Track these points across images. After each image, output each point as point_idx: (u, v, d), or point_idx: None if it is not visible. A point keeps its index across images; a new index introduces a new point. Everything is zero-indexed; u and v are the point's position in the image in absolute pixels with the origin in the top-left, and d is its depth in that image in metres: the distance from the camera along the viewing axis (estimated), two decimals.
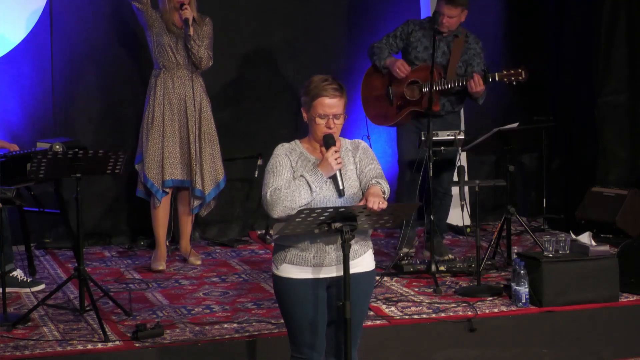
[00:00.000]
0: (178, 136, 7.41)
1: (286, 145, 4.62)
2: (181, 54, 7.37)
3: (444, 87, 7.43)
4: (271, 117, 8.61)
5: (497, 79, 7.44)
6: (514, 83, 7.50)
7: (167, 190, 7.46)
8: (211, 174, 7.49)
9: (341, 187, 4.53)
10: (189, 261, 7.65)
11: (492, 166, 9.12)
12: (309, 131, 4.63)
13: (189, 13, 7.26)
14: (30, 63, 8.10)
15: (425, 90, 7.35)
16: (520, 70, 7.44)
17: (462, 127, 8.28)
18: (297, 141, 4.65)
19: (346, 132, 4.89)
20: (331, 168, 4.51)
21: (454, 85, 7.44)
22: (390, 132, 7.94)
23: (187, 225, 7.66)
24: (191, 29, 7.24)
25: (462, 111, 8.62)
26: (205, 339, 5.84)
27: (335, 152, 4.52)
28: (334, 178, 4.54)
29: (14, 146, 7.06)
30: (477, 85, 7.33)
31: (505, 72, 7.46)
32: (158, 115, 7.39)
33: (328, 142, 4.55)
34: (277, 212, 4.47)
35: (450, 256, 7.44)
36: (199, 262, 7.64)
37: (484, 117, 8.80)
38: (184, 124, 7.41)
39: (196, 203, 7.53)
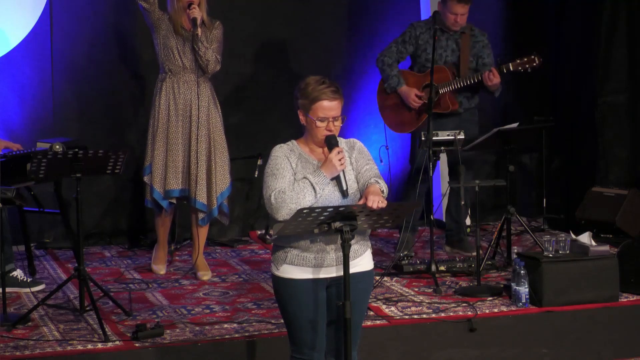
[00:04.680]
0: (182, 144, 7.11)
1: (284, 146, 4.61)
2: (188, 58, 7.06)
3: (460, 85, 7.44)
4: (271, 117, 8.60)
5: (511, 68, 7.39)
6: (529, 70, 7.48)
7: (173, 200, 7.16)
8: (219, 185, 7.15)
9: (345, 188, 4.52)
10: (197, 275, 7.28)
11: (492, 166, 9.12)
12: (305, 133, 4.62)
13: (198, 12, 6.95)
14: (30, 63, 8.09)
15: (443, 90, 7.38)
16: (533, 57, 7.41)
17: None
18: (294, 142, 4.64)
19: (366, 142, 4.87)
20: (335, 169, 4.50)
21: (469, 82, 7.44)
22: (405, 137, 7.92)
23: (197, 237, 7.28)
24: (199, 30, 6.95)
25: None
26: (205, 339, 5.84)
27: (339, 152, 4.52)
28: (337, 179, 4.54)
29: (18, 146, 7.04)
30: (493, 77, 7.33)
31: (518, 60, 7.42)
32: (163, 122, 7.09)
33: (331, 142, 4.54)
34: (283, 214, 4.44)
35: (474, 254, 7.51)
36: (206, 278, 7.21)
37: (484, 117, 8.79)
38: (188, 130, 7.10)
39: (201, 215, 7.19)
